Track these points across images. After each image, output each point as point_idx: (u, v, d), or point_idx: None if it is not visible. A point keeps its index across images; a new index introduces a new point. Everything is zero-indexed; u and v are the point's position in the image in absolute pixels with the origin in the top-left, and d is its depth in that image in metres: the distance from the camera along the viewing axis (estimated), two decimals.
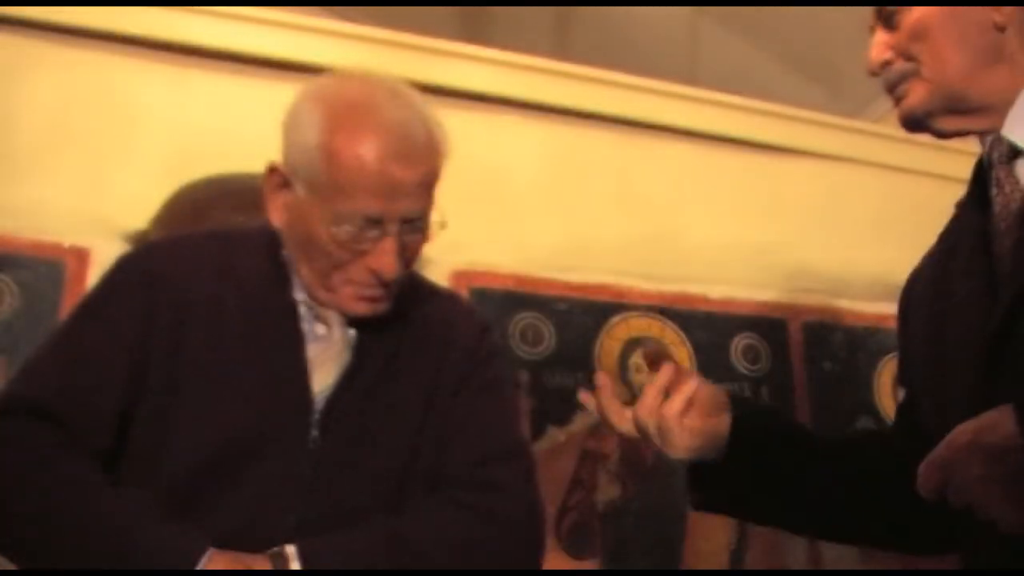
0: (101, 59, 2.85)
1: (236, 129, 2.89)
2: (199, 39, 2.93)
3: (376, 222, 1.53)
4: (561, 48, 4.48)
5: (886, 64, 1.52)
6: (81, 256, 2.61)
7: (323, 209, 1.54)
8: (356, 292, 1.57)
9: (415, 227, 1.59)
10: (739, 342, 3.17)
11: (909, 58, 1.47)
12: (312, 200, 1.56)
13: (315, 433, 1.55)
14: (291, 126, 1.62)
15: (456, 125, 3.10)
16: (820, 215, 3.45)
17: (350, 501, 1.54)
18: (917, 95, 1.47)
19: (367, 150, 1.52)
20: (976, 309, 1.38)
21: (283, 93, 2.90)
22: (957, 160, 3.71)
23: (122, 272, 1.66)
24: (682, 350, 3.09)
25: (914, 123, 1.51)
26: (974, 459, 1.09)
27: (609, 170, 3.29)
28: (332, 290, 1.58)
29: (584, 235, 3.14)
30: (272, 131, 2.80)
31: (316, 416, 1.56)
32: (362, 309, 1.59)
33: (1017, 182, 1.40)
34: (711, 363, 3.10)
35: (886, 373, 3.29)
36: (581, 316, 3.02)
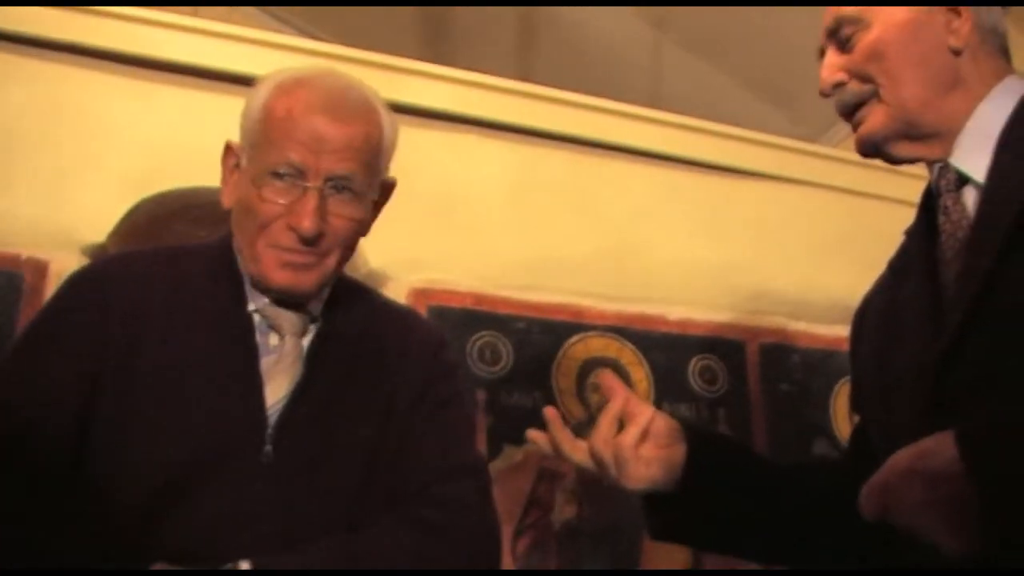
0: (63, 71, 2.83)
1: (198, 143, 2.86)
2: (163, 53, 2.93)
3: (299, 176, 1.54)
4: (524, 68, 4.50)
5: (838, 85, 1.51)
6: (39, 268, 2.59)
7: (253, 171, 1.57)
8: (278, 257, 1.56)
9: (343, 193, 1.59)
10: (697, 363, 3.17)
11: (865, 80, 1.47)
12: (248, 167, 1.59)
13: (268, 448, 1.53)
14: (245, 106, 1.65)
15: (417, 143, 3.12)
16: (779, 238, 3.47)
17: (304, 516, 1.53)
18: (877, 119, 1.46)
19: (296, 102, 1.57)
20: (922, 336, 1.38)
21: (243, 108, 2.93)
22: (915, 185, 3.75)
23: (72, 290, 1.65)
24: (640, 370, 3.10)
25: (871, 148, 1.51)
26: (915, 484, 1.10)
27: (569, 190, 3.29)
28: (257, 259, 1.57)
29: (543, 255, 3.14)
30: None
31: (269, 431, 1.54)
32: (283, 278, 1.57)
33: (964, 210, 1.39)
34: (668, 384, 3.11)
35: (842, 395, 3.31)
36: (539, 335, 3.02)
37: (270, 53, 3.00)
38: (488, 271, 3.05)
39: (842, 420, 3.27)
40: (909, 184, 3.60)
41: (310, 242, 1.55)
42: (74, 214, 2.69)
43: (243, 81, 2.92)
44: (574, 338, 3.06)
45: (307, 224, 1.53)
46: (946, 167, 1.44)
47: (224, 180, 1.66)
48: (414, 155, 3.03)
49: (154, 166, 2.80)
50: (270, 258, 1.57)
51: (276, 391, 1.57)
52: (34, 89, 2.79)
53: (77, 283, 1.66)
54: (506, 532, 2.72)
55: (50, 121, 2.77)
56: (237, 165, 1.63)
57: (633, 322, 3.15)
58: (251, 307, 1.62)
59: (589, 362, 3.05)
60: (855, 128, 1.52)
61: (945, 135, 1.43)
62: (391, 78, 3.04)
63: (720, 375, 3.19)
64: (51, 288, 2.53)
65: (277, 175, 1.54)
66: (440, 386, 1.74)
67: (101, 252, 2.67)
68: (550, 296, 3.08)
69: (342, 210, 1.59)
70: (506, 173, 3.24)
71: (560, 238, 3.19)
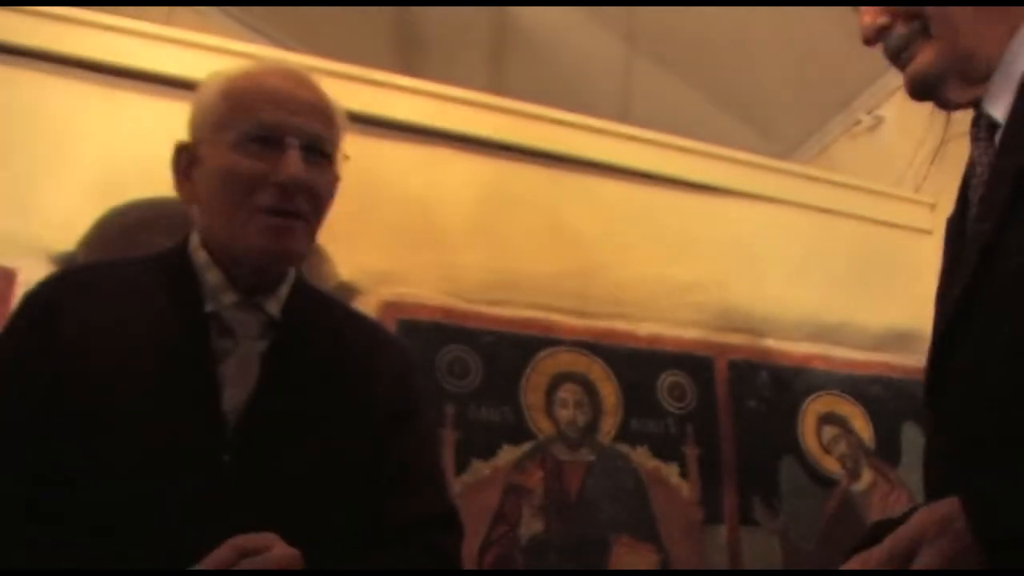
0: (32, 78, 2.81)
1: (167, 153, 2.86)
2: (133, 61, 2.91)
3: (277, 138, 1.57)
4: (495, 82, 4.50)
5: (883, 30, 1.37)
6: (7, 277, 2.56)
7: (226, 143, 1.58)
8: (264, 222, 1.56)
9: (317, 156, 1.61)
10: (666, 379, 3.18)
11: (910, 18, 1.33)
12: (215, 146, 1.59)
13: (226, 457, 1.52)
14: (194, 103, 1.67)
15: (388, 156, 3.12)
16: (748, 255, 3.48)
17: (264, 523, 1.51)
18: (927, 56, 1.31)
19: (265, 75, 1.63)
20: (942, 308, 1.30)
21: None
22: (884, 203, 3.79)
23: (23, 308, 1.63)
24: (608, 386, 3.10)
25: (924, 87, 1.36)
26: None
27: (540, 205, 3.30)
28: (241, 228, 1.57)
29: (514, 269, 3.14)
30: None
31: (228, 437, 1.53)
32: (269, 241, 1.57)
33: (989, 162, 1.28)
34: (637, 399, 3.12)
35: (810, 412, 3.32)
36: (509, 350, 3.02)
37: (241, 63, 2.98)
38: (458, 285, 3.05)
39: (810, 436, 3.29)
40: (877, 202, 3.64)
41: (298, 190, 1.57)
42: (42, 222, 2.67)
43: None
44: (543, 353, 3.06)
45: (293, 170, 1.55)
46: (980, 113, 1.31)
47: (179, 183, 1.66)
48: (385, 168, 3.05)
49: (123, 175, 2.78)
50: (256, 226, 1.57)
51: (234, 395, 1.56)
52: (1, 96, 2.77)
53: (27, 302, 1.64)
54: (472, 547, 2.72)
55: (18, 128, 2.75)
56: (191, 162, 1.64)
57: (602, 337, 3.16)
58: (208, 309, 1.61)
59: (558, 377, 3.06)
60: (902, 69, 1.38)
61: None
62: (363, 90, 3.04)
63: (689, 391, 3.20)
64: (18, 296, 2.52)
65: (253, 139, 1.56)
66: (418, 412, 1.76)
67: (70, 260, 2.65)
68: (519, 311, 3.08)
69: (319, 173, 1.62)
70: (477, 187, 3.24)
71: (530, 253, 3.19)
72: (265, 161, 1.56)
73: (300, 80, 1.65)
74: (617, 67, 4.42)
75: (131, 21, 2.94)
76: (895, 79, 3.68)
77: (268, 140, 1.57)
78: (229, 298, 1.62)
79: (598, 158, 3.40)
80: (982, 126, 1.30)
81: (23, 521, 1.46)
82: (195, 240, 1.67)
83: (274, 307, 1.65)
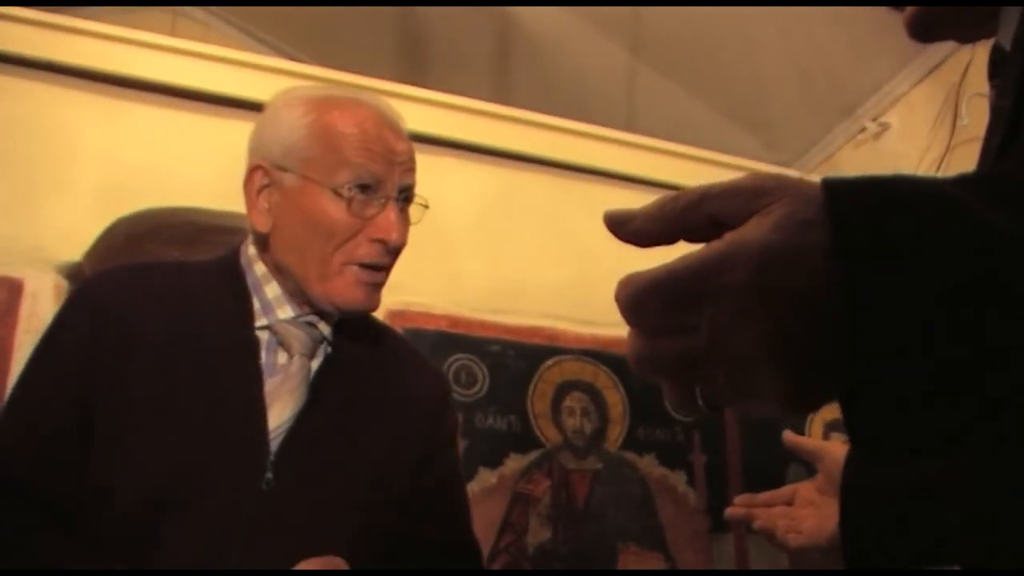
0: (38, 89, 2.82)
1: (172, 163, 2.87)
2: (137, 71, 2.92)
3: (377, 189, 1.56)
4: (500, 91, 4.50)
5: None
6: (13, 287, 2.57)
7: (322, 186, 1.55)
8: (356, 276, 1.56)
9: (406, 204, 1.62)
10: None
11: None
12: (307, 183, 1.56)
13: (269, 475, 1.49)
14: (271, 123, 1.63)
15: None
16: None
17: (303, 543, 1.50)
18: None
19: (363, 119, 1.58)
20: None
21: (220, 128, 2.93)
22: None
23: (69, 309, 1.59)
24: (615, 394, 3.10)
25: (924, 29, 1.14)
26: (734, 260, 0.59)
27: (545, 214, 3.30)
28: (330, 277, 1.56)
29: (519, 278, 3.14)
30: (208, 166, 2.82)
31: (271, 458, 1.50)
32: (359, 297, 1.57)
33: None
34: (644, 407, 3.11)
35: (818, 420, 3.32)
36: (515, 359, 3.02)
37: (246, 73, 3.00)
38: (463, 294, 3.05)
39: None
40: None
41: (395, 253, 1.58)
42: (47, 232, 2.68)
43: (218, 101, 2.93)
44: (549, 361, 3.06)
45: (395, 236, 1.56)
46: (994, 48, 1.10)
47: (252, 203, 1.61)
48: None
49: (127, 184, 2.79)
50: (348, 277, 1.56)
51: (279, 414, 1.53)
52: (5, 106, 2.78)
53: (74, 301, 1.61)
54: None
55: (23, 139, 2.76)
56: (267, 185, 1.61)
57: (609, 346, 3.15)
58: (261, 323, 1.60)
59: (564, 385, 3.05)
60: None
61: None
62: None
63: None
64: (26, 306, 2.52)
65: (362, 188, 1.55)
66: (452, 441, 1.80)
67: (75, 270, 2.65)
68: (525, 319, 3.08)
69: (406, 219, 1.62)
70: (482, 196, 3.24)
71: (536, 261, 3.20)
72: (364, 213, 1.55)
73: (395, 126, 1.63)
74: (621, 76, 4.42)
75: (135, 31, 2.95)
76: (899, 86, 3.68)
77: (366, 189, 1.55)
78: (285, 313, 1.61)
79: (603, 166, 3.41)
80: (995, 62, 1.10)
81: (50, 526, 1.46)
82: (251, 251, 1.65)
83: (325, 327, 1.64)
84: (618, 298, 0.66)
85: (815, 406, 0.60)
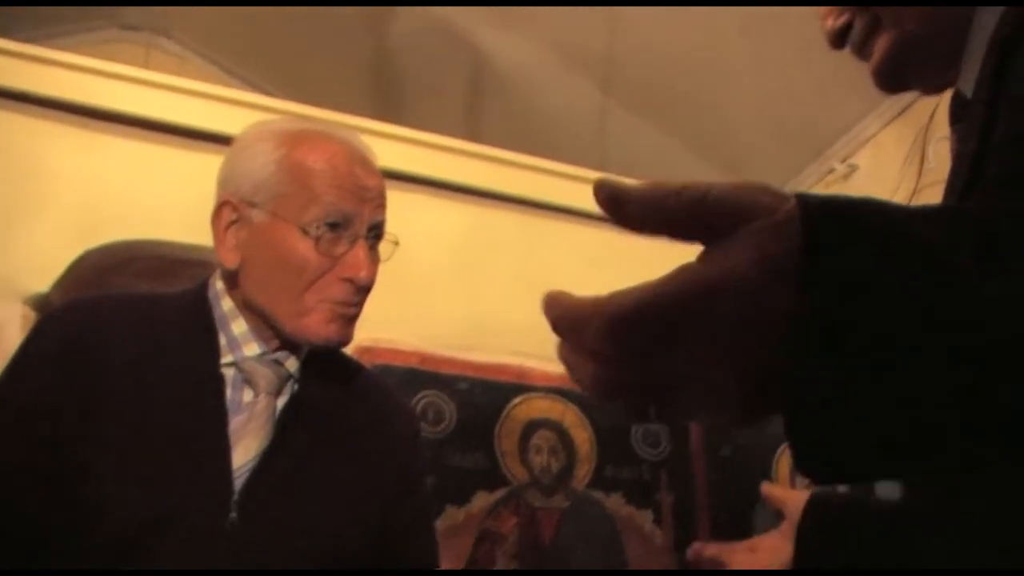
0: (8, 118, 2.82)
1: (143, 195, 2.87)
2: (109, 103, 2.92)
3: (347, 227, 1.56)
4: (472, 129, 4.53)
5: (845, 30, 1.22)
6: None
7: (292, 223, 1.54)
8: (330, 312, 1.56)
9: (376, 241, 1.63)
10: (640, 426, 3.17)
11: (864, 13, 1.18)
12: (276, 220, 1.56)
13: (233, 515, 1.47)
14: (241, 157, 1.62)
15: None
16: None
17: None
18: (881, 47, 1.17)
19: (333, 154, 1.58)
20: None
21: (192, 161, 2.93)
22: None
23: (36, 339, 1.58)
24: (583, 432, 3.09)
25: (885, 80, 1.21)
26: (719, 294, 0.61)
27: (515, 251, 3.31)
28: (303, 314, 1.55)
29: (489, 315, 3.14)
30: (180, 199, 2.82)
31: (235, 498, 1.49)
32: (334, 331, 1.57)
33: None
34: (612, 446, 3.11)
35: (784, 460, 3.32)
36: (483, 396, 3.01)
37: (218, 107, 3.00)
38: (433, 330, 3.05)
39: (784, 484, 3.28)
40: None
41: (366, 291, 1.59)
42: (17, 263, 2.67)
43: (191, 134, 2.93)
44: (517, 399, 3.06)
45: (364, 274, 1.56)
46: (955, 94, 1.15)
47: (220, 239, 1.60)
48: None
49: (98, 216, 2.78)
50: (321, 314, 1.56)
51: (244, 453, 1.52)
52: None
53: (42, 332, 1.59)
54: None
55: None
56: (235, 221, 1.60)
57: None
58: (227, 359, 1.58)
59: (532, 423, 3.05)
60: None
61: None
62: None
63: (663, 438, 3.20)
64: None
65: (332, 226, 1.55)
66: (422, 478, 1.84)
67: (43, 301, 2.64)
68: (494, 356, 3.08)
69: (375, 257, 1.63)
70: (453, 233, 3.25)
71: (506, 299, 3.19)
72: (333, 251, 1.55)
73: (366, 161, 1.63)
74: (594, 114, 4.45)
75: (108, 63, 2.95)
76: (868, 128, 3.72)
77: (335, 227, 1.55)
78: (252, 350, 1.59)
79: (575, 205, 3.41)
80: (955, 109, 1.16)
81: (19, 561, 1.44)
82: (219, 286, 1.64)
83: (293, 364, 1.63)
84: (590, 325, 0.63)
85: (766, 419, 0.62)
